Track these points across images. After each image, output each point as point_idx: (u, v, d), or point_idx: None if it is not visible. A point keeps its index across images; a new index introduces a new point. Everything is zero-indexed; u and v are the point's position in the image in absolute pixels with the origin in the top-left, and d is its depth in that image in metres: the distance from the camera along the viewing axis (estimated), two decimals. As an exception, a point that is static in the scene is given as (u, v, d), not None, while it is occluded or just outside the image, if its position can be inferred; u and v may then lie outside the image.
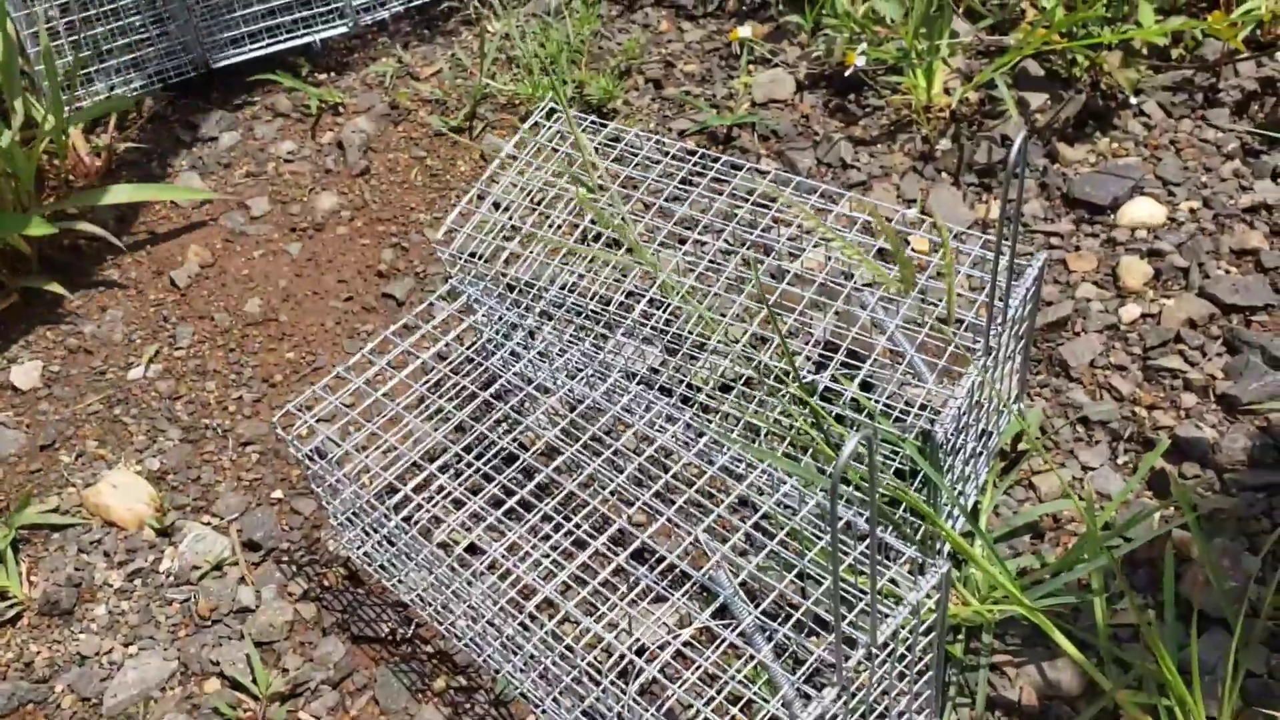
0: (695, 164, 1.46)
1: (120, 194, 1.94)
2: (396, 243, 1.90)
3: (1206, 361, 1.50)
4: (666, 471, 1.27)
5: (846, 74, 1.95)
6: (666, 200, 1.47)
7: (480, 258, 1.47)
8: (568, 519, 1.40)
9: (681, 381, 1.52)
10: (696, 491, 1.24)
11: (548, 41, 2.15)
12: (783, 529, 1.18)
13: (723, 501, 1.19)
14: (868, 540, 0.92)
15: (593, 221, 1.19)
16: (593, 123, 1.55)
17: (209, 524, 1.52)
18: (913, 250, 1.42)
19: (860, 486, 1.27)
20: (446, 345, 1.45)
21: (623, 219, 1.22)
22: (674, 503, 1.30)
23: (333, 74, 2.27)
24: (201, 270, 1.89)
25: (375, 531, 1.36)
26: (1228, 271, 1.61)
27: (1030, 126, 1.86)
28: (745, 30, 1.99)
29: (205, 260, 1.91)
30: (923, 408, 1.38)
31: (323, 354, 1.73)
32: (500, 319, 1.44)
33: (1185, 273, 1.61)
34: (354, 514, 1.38)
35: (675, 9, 2.27)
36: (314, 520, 1.52)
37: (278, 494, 1.55)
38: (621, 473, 1.31)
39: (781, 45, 2.10)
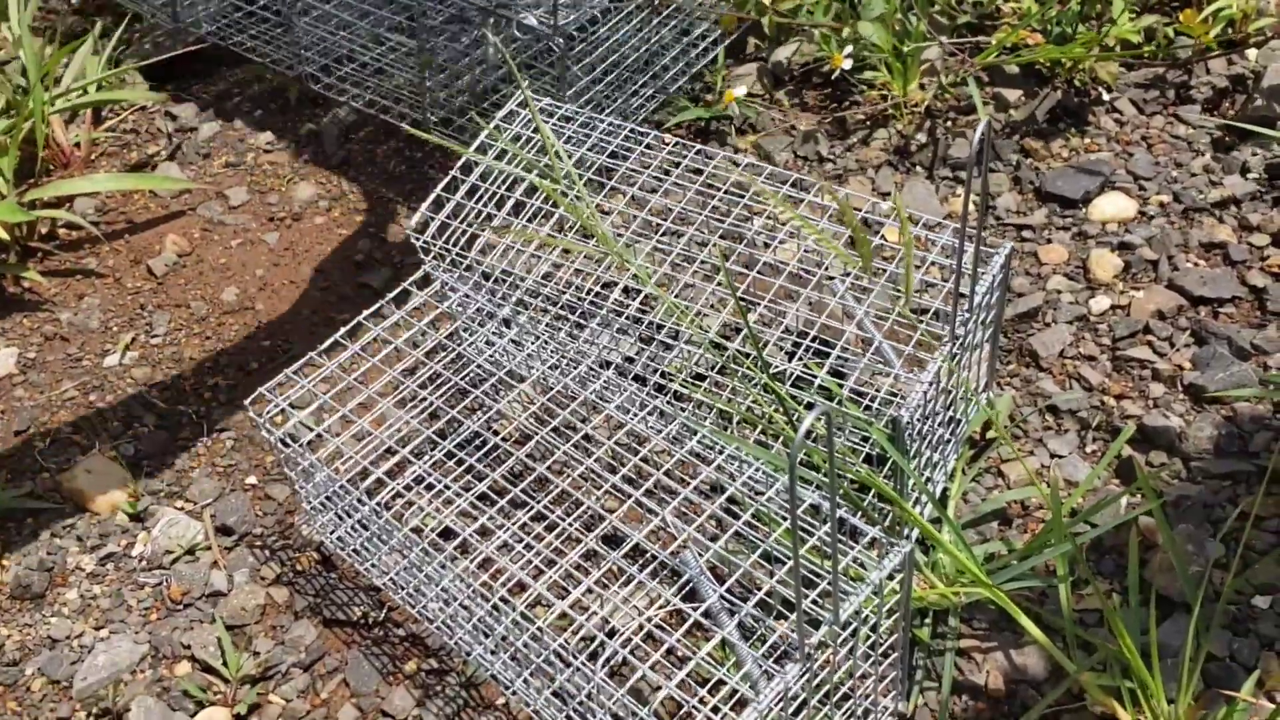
0: (669, 153, 1.47)
1: (100, 183, 1.95)
2: (374, 233, 1.90)
3: (1174, 352, 1.52)
4: (637, 455, 1.27)
5: (833, 76, 1.97)
6: (641, 190, 1.48)
7: (455, 245, 1.48)
8: (540, 503, 1.41)
9: (655, 370, 1.53)
10: (666, 475, 1.25)
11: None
12: (748, 511, 1.19)
13: (692, 485, 1.20)
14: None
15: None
16: (569, 110, 1.56)
17: (182, 509, 1.52)
18: (884, 240, 1.43)
19: (825, 469, 1.28)
20: (421, 333, 1.46)
21: (592, 211, 1.23)
22: (644, 486, 1.31)
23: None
24: (179, 259, 1.90)
25: (348, 516, 1.36)
26: (1196, 264, 1.63)
27: (1005, 122, 1.88)
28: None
29: (183, 249, 1.91)
30: (892, 394, 1.39)
31: (299, 342, 1.74)
32: (475, 307, 1.45)
33: (1154, 265, 1.63)
34: (327, 498, 1.38)
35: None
36: (287, 506, 1.52)
37: (252, 480, 1.56)
38: (591, 457, 1.32)
39: (762, 42, 2.12)
